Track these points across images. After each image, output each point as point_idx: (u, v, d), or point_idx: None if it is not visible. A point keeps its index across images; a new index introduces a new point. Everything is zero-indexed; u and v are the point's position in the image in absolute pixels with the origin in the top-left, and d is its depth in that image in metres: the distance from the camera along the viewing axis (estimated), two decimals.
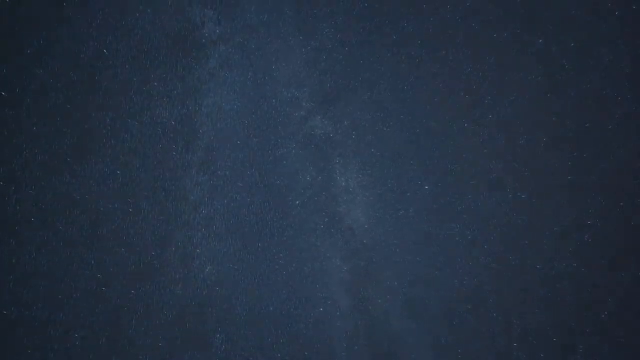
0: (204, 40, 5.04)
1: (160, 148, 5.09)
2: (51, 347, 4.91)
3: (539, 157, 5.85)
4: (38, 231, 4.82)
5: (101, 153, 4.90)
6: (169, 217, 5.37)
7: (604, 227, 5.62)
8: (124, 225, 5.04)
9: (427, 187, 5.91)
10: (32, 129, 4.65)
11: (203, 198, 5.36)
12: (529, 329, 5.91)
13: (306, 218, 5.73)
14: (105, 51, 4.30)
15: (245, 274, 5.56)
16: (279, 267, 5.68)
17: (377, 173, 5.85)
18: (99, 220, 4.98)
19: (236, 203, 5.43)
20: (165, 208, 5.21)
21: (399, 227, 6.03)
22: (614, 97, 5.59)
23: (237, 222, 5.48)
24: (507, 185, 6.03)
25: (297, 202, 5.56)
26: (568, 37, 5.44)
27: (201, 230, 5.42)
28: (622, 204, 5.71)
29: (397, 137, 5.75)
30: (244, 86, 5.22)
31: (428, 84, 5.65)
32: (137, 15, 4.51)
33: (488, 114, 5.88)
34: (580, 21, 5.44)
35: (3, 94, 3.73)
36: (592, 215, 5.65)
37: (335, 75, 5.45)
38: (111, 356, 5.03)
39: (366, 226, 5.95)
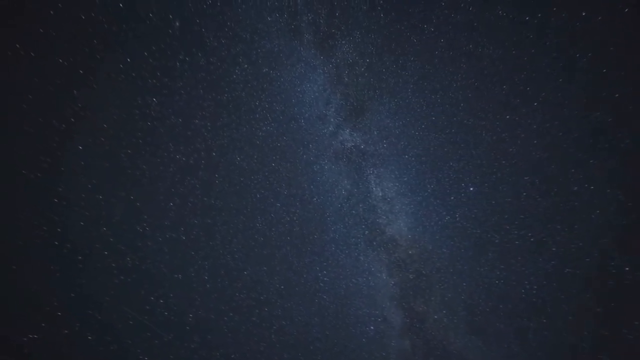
0: (234, 76, 5.20)
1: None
2: None
3: (600, 144, 4.80)
4: None
5: None
6: (220, 241, 5.39)
7: None
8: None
9: (472, 189, 5.18)
10: None
11: (247, 220, 5.31)
12: (621, 344, 4.60)
13: (346, 232, 5.35)
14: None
15: (289, 293, 5.28)
16: (323, 284, 5.31)
17: (414, 179, 5.30)
18: None
19: (275, 223, 5.27)
20: (214, 232, 5.26)
21: (446, 234, 5.32)
22: None
23: (278, 242, 5.30)
24: (570, 177, 5.02)
25: (335, 217, 5.23)
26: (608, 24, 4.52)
27: (248, 251, 5.33)
28: None
29: (431, 139, 5.20)
30: (273, 111, 5.21)
31: (458, 81, 5.08)
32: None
33: (532, 101, 5.07)
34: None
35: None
36: None
37: (359, 87, 5.20)
38: None
39: (409, 236, 5.35)
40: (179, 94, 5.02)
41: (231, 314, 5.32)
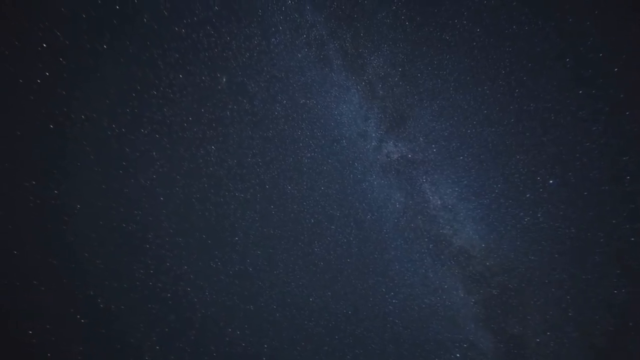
0: (275, 113, 5.22)
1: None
2: None
3: None
4: None
5: None
6: (283, 269, 5.15)
7: None
8: None
9: (552, 182, 4.08)
10: None
11: (305, 246, 4.99)
12: None
13: (408, 248, 4.62)
14: None
15: (358, 319, 4.63)
16: (392, 307, 4.57)
17: (476, 181, 4.41)
18: None
19: (332, 246, 4.83)
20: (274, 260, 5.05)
21: (530, 238, 4.21)
22: None
23: (338, 265, 4.80)
24: None
25: (394, 233, 4.57)
26: None
27: (310, 277, 4.95)
28: None
29: (487, 134, 4.34)
30: (314, 137, 5.01)
31: (506, 66, 4.26)
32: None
33: (611, 67, 3.93)
34: None
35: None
36: None
37: (395, 97, 4.73)
38: None
39: (483, 245, 4.36)
40: (232, 138, 5.19)
41: (303, 344, 4.86)
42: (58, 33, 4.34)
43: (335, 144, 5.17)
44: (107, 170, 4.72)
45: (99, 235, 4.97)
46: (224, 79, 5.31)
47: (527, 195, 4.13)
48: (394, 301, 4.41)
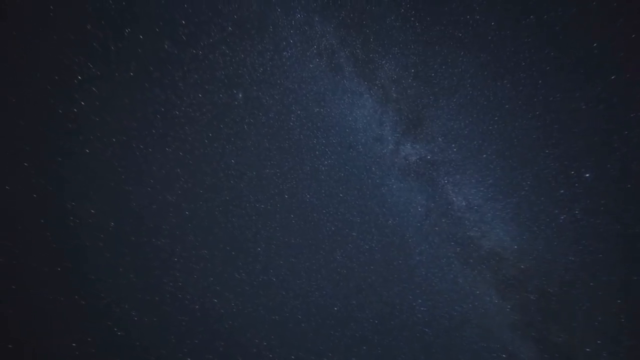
0: (291, 123, 5.24)
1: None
2: None
3: None
4: None
5: None
6: (306, 279, 5.06)
7: None
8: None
9: (588, 175, 3.72)
10: None
11: (327, 254, 4.88)
12: None
13: (434, 253, 4.38)
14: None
15: (385, 328, 4.41)
16: (421, 315, 4.32)
17: (502, 179, 4.13)
18: None
19: (354, 253, 4.68)
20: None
21: (568, 237, 3.86)
22: None
23: (362, 272, 4.63)
24: None
25: (417, 237, 4.36)
26: None
27: (333, 285, 4.82)
28: None
29: (511, 129, 4.08)
30: (330, 144, 4.96)
31: (527, 58, 4.02)
32: None
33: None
34: None
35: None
36: None
37: (410, 99, 4.58)
38: None
39: (515, 247, 4.04)
40: (250, 151, 5.26)
41: (330, 354, 4.70)
42: (91, 65, 4.66)
43: (351, 150, 5.09)
44: (137, 188, 4.92)
45: (131, 251, 5.15)
46: (240, 95, 5.43)
47: (561, 191, 3.79)
48: (422, 309, 4.15)
